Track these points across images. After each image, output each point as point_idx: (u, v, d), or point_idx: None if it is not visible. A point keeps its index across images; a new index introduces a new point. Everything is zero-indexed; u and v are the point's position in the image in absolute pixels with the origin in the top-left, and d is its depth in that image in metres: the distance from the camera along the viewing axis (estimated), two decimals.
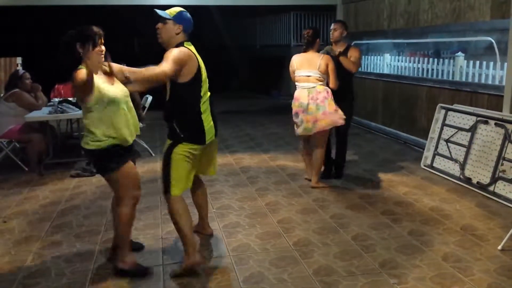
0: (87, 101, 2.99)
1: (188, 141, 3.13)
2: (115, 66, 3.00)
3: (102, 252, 3.55)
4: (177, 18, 3.17)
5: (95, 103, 2.99)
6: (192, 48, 3.18)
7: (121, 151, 3.11)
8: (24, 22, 13.25)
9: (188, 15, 3.25)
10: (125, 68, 3.00)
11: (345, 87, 4.98)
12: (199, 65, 3.13)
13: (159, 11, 3.17)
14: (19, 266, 3.35)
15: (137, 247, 3.56)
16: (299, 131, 4.90)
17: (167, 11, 3.19)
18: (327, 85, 4.80)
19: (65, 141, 7.48)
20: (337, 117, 4.75)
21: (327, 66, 4.74)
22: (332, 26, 5.22)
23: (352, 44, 5.32)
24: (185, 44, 3.16)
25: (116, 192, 3.20)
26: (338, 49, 5.06)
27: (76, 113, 5.90)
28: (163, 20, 3.14)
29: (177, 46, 3.10)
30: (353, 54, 5.06)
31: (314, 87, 4.74)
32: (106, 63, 3.01)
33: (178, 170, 3.15)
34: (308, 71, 4.77)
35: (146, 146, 6.67)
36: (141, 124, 6.44)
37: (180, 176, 3.16)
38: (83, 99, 3.00)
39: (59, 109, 5.75)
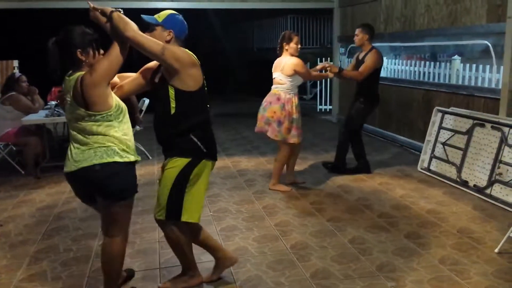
0: (103, 110, 2.53)
1: (209, 157, 2.83)
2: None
3: (99, 255, 3.52)
4: (167, 22, 2.79)
5: (115, 112, 2.58)
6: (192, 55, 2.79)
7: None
8: (21, 25, 13.23)
9: (180, 17, 2.87)
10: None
11: (358, 89, 5.43)
12: (202, 73, 2.81)
13: (145, 17, 2.79)
14: (16, 269, 3.33)
15: (130, 275, 3.18)
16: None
17: (156, 16, 2.81)
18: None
19: (62, 144, 7.45)
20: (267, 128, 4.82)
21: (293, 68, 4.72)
22: (355, 32, 5.44)
23: (371, 48, 5.33)
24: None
25: (119, 222, 2.70)
26: (363, 53, 5.37)
27: None
28: (151, 27, 2.77)
29: None
30: (367, 60, 5.25)
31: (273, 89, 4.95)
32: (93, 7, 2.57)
33: (199, 192, 2.83)
34: (275, 73, 4.95)
35: (143, 149, 6.66)
36: (138, 127, 6.45)
37: (201, 199, 2.86)
38: (99, 104, 2.52)
39: (55, 112, 5.74)
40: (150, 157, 6.55)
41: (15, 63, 8.14)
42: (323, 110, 10.76)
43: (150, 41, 2.61)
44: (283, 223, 4.10)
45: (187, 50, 2.78)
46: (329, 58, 9.85)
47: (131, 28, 2.55)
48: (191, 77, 2.74)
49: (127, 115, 2.70)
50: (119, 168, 2.59)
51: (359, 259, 3.39)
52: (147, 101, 6.85)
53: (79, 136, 2.60)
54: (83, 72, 2.52)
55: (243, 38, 16.21)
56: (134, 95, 6.29)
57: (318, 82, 10.85)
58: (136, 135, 6.51)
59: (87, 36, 2.56)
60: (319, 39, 13.34)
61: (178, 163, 2.77)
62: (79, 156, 2.59)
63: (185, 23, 2.90)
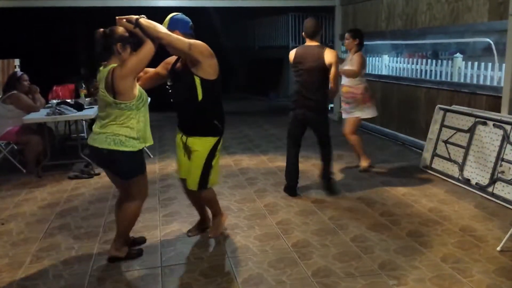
0: (127, 99, 2.98)
1: (223, 133, 3.43)
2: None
3: (101, 253, 3.54)
4: (170, 25, 3.22)
5: (136, 101, 3.02)
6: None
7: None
8: (22, 24, 13.24)
9: (180, 16, 3.28)
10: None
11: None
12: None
13: None
14: (17, 268, 3.34)
15: (140, 241, 3.70)
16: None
17: (164, 22, 3.23)
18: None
19: (63, 143, 7.47)
20: None
21: None
22: (345, 35, 5.48)
23: (356, 52, 5.37)
24: None
25: (133, 193, 3.24)
26: (351, 56, 5.45)
27: (74, 114, 5.88)
28: None
29: None
30: (354, 58, 5.30)
31: None
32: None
33: (217, 162, 3.46)
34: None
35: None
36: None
37: (218, 166, 3.50)
38: (125, 94, 2.97)
39: (57, 110, 5.74)
40: (152, 156, 6.55)
41: (17, 62, 8.14)
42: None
43: (178, 39, 3.06)
44: (284, 221, 4.10)
45: (203, 43, 3.22)
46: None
47: (162, 29, 3.02)
48: (212, 67, 3.21)
49: (147, 104, 3.13)
50: (122, 156, 3.06)
51: (361, 257, 3.39)
52: (148, 99, 6.84)
53: (102, 121, 3.08)
54: (115, 65, 2.97)
55: (244, 36, 16.18)
56: None
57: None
58: None
59: (129, 36, 3.02)
60: (320, 37, 13.33)
61: (207, 144, 3.32)
62: (95, 136, 3.09)
63: (186, 18, 3.30)
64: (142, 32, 2.98)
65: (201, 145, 3.32)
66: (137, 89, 3.06)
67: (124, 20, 3.02)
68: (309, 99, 4.47)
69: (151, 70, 3.45)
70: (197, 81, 3.19)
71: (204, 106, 3.26)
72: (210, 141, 3.34)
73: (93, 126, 3.17)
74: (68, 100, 6.64)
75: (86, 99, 6.77)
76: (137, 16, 3.01)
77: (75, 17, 13.11)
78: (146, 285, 3.08)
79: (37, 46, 13.53)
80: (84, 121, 7.85)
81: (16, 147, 6.42)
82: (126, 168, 3.13)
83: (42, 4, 8.40)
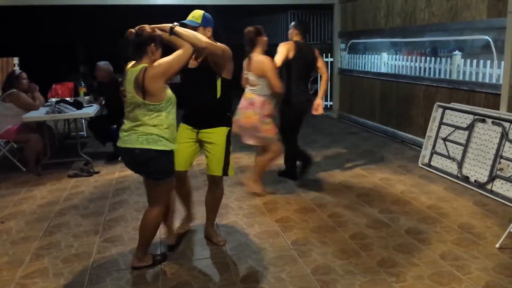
0: (157, 101, 2.93)
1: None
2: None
3: (101, 251, 3.55)
4: (204, 22, 3.34)
5: (165, 103, 2.98)
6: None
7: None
8: (21, 22, 13.23)
9: (209, 15, 3.41)
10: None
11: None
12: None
13: (187, 21, 3.27)
14: (17, 266, 3.34)
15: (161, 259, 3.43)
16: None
17: (192, 18, 3.30)
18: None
19: (63, 141, 7.48)
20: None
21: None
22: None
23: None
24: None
25: (158, 197, 3.15)
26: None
27: (73, 113, 5.88)
28: (194, 29, 3.22)
29: None
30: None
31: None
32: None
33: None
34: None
35: None
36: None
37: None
38: (155, 96, 2.92)
39: (56, 109, 5.74)
40: None
41: (16, 60, 8.13)
42: (323, 106, 10.72)
43: (217, 47, 3.23)
44: (283, 219, 4.11)
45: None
46: (329, 54, 9.82)
47: (203, 38, 3.10)
48: (230, 68, 3.39)
49: (175, 106, 3.10)
50: (156, 155, 3.00)
51: (360, 254, 3.40)
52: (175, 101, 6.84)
53: (131, 122, 3.02)
54: (146, 65, 2.91)
55: (243, 34, 16.18)
56: None
57: (319, 78, 10.82)
58: None
59: (161, 38, 3.00)
60: (319, 35, 13.31)
61: (223, 132, 3.47)
62: (125, 138, 3.04)
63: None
64: (179, 39, 3.00)
65: (219, 134, 3.46)
66: (167, 91, 3.03)
67: (159, 28, 3.03)
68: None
69: None
70: (219, 81, 3.35)
71: (220, 102, 3.43)
72: (225, 130, 3.48)
73: (121, 129, 3.10)
74: (68, 99, 6.64)
75: (86, 97, 6.77)
76: (171, 25, 3.02)
77: (74, 15, 13.09)
78: (146, 282, 3.09)
79: (36, 44, 13.51)
80: (83, 120, 7.86)
81: (15, 146, 6.42)
82: (159, 167, 3.05)
83: (41, 2, 8.39)
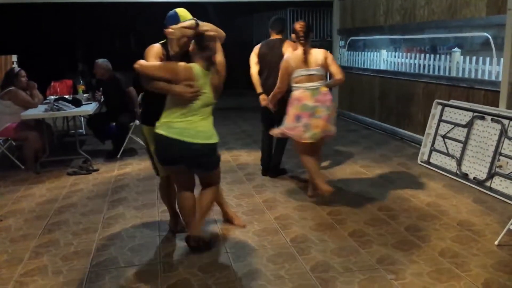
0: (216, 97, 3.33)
1: None
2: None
3: (100, 249, 3.55)
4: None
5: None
6: None
7: None
8: (20, 20, 13.19)
9: (169, 12, 3.38)
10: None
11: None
12: None
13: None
14: (16, 264, 3.34)
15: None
16: (306, 136, 4.21)
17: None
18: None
19: (62, 139, 7.47)
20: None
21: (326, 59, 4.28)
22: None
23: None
24: None
25: (214, 179, 3.50)
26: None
27: (72, 110, 5.88)
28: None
29: None
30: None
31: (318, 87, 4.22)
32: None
33: None
34: (308, 69, 4.23)
35: (142, 143, 6.64)
36: (137, 121, 6.45)
37: None
38: (219, 93, 3.36)
39: (55, 106, 5.73)
40: None
41: (14, 58, 8.11)
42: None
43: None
44: (283, 216, 4.11)
45: None
46: (329, 51, 9.79)
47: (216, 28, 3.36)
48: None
49: None
50: (214, 147, 3.35)
51: (359, 252, 3.40)
52: None
53: (186, 117, 3.22)
54: (213, 66, 3.28)
55: (242, 31, 16.12)
56: (133, 90, 6.30)
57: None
58: (136, 129, 6.52)
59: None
60: (318, 32, 13.27)
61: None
62: (182, 131, 3.20)
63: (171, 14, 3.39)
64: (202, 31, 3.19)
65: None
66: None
67: (183, 27, 3.20)
68: None
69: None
70: None
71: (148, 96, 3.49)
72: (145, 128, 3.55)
73: (170, 120, 3.21)
74: (66, 96, 6.63)
75: (84, 95, 6.75)
76: (194, 21, 3.21)
77: (73, 12, 13.06)
78: (145, 280, 3.09)
79: (35, 42, 13.48)
80: (82, 117, 7.84)
81: (14, 144, 6.41)
82: (216, 158, 3.40)
83: None
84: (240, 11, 14.92)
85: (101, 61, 6.27)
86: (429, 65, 6.42)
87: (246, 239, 3.66)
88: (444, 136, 5.35)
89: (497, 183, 4.50)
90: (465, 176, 4.90)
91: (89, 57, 11.08)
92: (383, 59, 7.65)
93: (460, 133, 5.12)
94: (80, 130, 7.91)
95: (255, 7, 13.76)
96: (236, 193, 4.76)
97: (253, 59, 5.05)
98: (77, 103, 6.02)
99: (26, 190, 5.06)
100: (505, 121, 4.56)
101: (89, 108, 6.02)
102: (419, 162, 5.66)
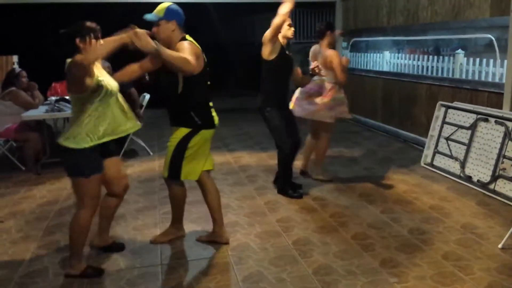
0: (82, 92, 2.91)
1: (206, 127, 3.34)
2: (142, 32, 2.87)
3: (100, 251, 3.52)
4: (168, 15, 3.17)
5: (90, 94, 2.93)
6: (194, 41, 3.25)
7: (97, 157, 3.05)
8: (21, 20, 13.20)
9: (176, 7, 3.23)
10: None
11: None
12: (204, 58, 3.27)
13: (147, 16, 3.18)
14: (17, 266, 3.32)
15: (119, 247, 3.53)
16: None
17: (155, 12, 3.18)
18: None
19: None
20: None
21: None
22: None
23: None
24: (187, 37, 3.22)
25: (78, 198, 3.10)
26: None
27: None
28: (155, 23, 3.16)
29: (181, 40, 3.18)
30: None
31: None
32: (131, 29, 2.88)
33: (195, 156, 3.36)
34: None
35: (144, 144, 6.64)
36: (138, 122, 6.42)
37: (199, 161, 3.40)
38: (79, 89, 2.92)
39: (56, 107, 5.72)
40: (151, 153, 6.53)
41: (15, 58, 8.11)
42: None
43: (181, 56, 2.98)
44: (285, 219, 4.08)
45: (191, 40, 3.19)
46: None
47: (167, 52, 2.93)
48: (198, 63, 3.14)
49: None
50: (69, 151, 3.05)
51: (362, 255, 3.37)
52: (147, 96, 6.82)
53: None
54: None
55: (244, 32, 16.11)
56: (135, 90, 6.28)
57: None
58: (137, 130, 6.49)
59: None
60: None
61: (180, 133, 3.31)
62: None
63: (182, 11, 3.25)
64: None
65: (175, 133, 3.35)
66: (95, 81, 3.05)
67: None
68: None
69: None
70: (180, 75, 3.17)
71: (185, 98, 3.25)
72: (182, 131, 3.30)
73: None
74: (67, 97, 6.61)
75: None
76: (155, 45, 2.86)
77: (74, 13, 13.05)
78: (146, 283, 3.06)
79: (36, 42, 13.47)
80: None
81: (15, 145, 6.39)
82: (70, 164, 3.07)
83: (40, 0, 8.37)
84: (242, 12, 14.91)
85: (101, 62, 6.25)
86: (432, 67, 6.39)
87: (248, 241, 3.63)
88: (447, 138, 5.31)
89: (501, 186, 4.46)
90: (468, 178, 4.87)
91: None
92: (386, 60, 7.62)
93: (463, 135, 5.09)
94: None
95: (257, 8, 13.75)
96: (237, 195, 4.73)
97: None
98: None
99: (26, 191, 5.04)
100: (509, 123, 4.53)
101: None
102: (422, 164, 5.63)
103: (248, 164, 5.90)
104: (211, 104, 3.41)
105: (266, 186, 4.97)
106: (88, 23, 2.99)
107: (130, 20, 3.08)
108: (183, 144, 3.29)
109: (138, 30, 2.84)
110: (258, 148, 6.78)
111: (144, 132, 6.74)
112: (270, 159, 6.08)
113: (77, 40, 2.94)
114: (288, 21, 4.38)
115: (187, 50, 3.04)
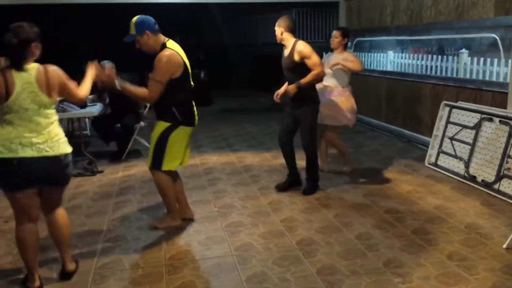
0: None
1: (186, 124, 3.67)
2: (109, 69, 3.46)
3: (104, 251, 3.53)
4: (138, 30, 3.50)
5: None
6: (174, 45, 3.56)
7: (13, 172, 2.82)
8: (22, 21, 13.26)
9: (141, 17, 3.53)
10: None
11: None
12: (183, 61, 3.55)
13: (125, 39, 3.57)
14: (21, 265, 3.32)
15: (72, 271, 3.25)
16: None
17: (130, 31, 3.53)
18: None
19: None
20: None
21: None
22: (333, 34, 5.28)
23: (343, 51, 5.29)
24: (167, 44, 3.53)
25: (61, 197, 3.22)
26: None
27: (77, 112, 5.88)
28: (135, 41, 3.52)
29: (162, 48, 3.50)
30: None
31: None
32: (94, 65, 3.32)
33: (175, 149, 3.67)
34: None
35: (147, 145, 6.64)
36: (142, 123, 6.44)
37: (178, 154, 3.72)
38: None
39: (60, 108, 5.73)
40: None
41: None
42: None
43: (141, 93, 3.57)
44: (288, 219, 4.08)
45: (170, 47, 3.50)
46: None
47: (129, 88, 3.56)
48: (177, 71, 3.51)
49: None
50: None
51: (366, 255, 3.36)
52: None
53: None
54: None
55: (248, 32, 16.12)
56: None
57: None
58: (141, 130, 6.52)
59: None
60: (324, 33, 13.24)
61: (161, 126, 3.64)
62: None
63: (146, 17, 3.55)
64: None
65: (157, 126, 3.67)
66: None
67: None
68: None
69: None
70: None
71: (168, 96, 3.52)
72: (162, 125, 3.63)
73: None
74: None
75: (89, 96, 6.74)
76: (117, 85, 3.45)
77: (78, 14, 13.09)
78: (150, 282, 3.07)
79: (39, 43, 13.53)
80: (87, 119, 7.84)
81: None
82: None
83: (43, 1, 8.39)
84: (245, 12, 14.91)
85: (105, 62, 6.26)
86: (436, 66, 6.37)
87: (252, 241, 3.63)
88: (451, 138, 5.30)
89: (506, 186, 4.45)
90: (473, 178, 4.85)
91: (93, 58, 11.10)
92: (390, 60, 7.61)
93: (468, 135, 5.07)
94: (85, 132, 7.91)
95: (260, 8, 13.75)
96: (241, 195, 4.73)
97: None
98: (81, 104, 6.01)
99: None
100: None
101: (94, 109, 6.02)
102: (426, 164, 5.61)
103: (251, 164, 5.90)
104: (193, 103, 3.75)
105: (269, 186, 4.97)
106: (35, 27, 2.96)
107: (125, 21, 3.23)
108: (164, 137, 3.62)
109: (107, 68, 3.31)
110: (261, 148, 6.78)
111: (147, 132, 6.74)
112: (274, 159, 6.08)
113: (33, 45, 2.94)
114: None
115: (159, 71, 3.44)
